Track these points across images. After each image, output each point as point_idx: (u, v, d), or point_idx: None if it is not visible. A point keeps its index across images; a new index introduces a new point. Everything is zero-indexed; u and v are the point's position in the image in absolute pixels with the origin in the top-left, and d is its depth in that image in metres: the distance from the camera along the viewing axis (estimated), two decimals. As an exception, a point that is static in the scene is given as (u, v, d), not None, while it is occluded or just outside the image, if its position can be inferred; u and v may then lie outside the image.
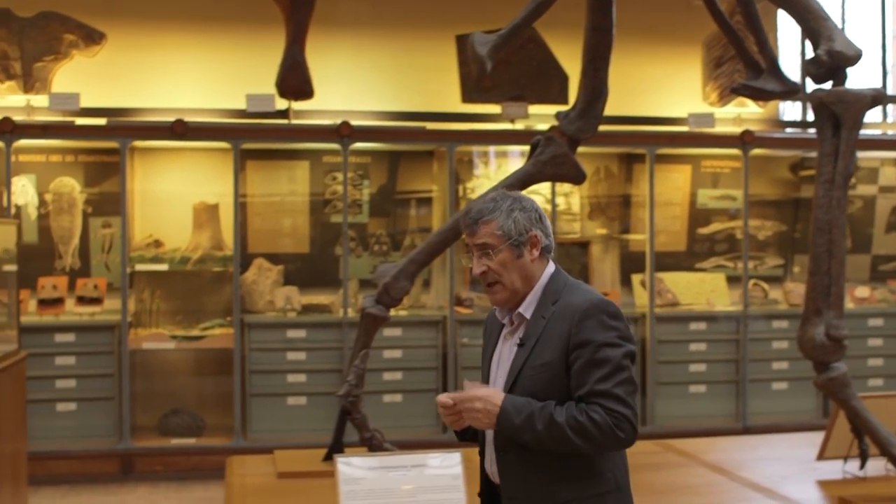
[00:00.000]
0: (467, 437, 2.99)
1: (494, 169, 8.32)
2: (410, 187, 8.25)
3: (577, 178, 5.17)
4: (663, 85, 8.69)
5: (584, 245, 8.52)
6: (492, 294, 2.88)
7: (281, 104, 7.60)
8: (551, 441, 2.68)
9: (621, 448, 2.77)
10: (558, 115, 5.25)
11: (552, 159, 5.09)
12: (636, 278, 8.49)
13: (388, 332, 7.45)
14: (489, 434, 2.87)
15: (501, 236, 2.81)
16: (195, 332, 7.58)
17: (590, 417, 2.66)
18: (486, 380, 2.94)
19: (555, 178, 5.29)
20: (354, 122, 7.54)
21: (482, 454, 2.97)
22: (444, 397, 2.78)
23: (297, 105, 7.70)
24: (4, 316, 5.67)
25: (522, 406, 2.69)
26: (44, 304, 7.46)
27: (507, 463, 2.81)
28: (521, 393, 2.75)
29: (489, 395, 2.72)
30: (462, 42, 7.99)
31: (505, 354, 2.89)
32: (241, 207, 7.55)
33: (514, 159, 8.32)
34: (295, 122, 7.71)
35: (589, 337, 2.71)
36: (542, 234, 2.86)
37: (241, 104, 7.55)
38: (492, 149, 8.34)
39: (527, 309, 2.84)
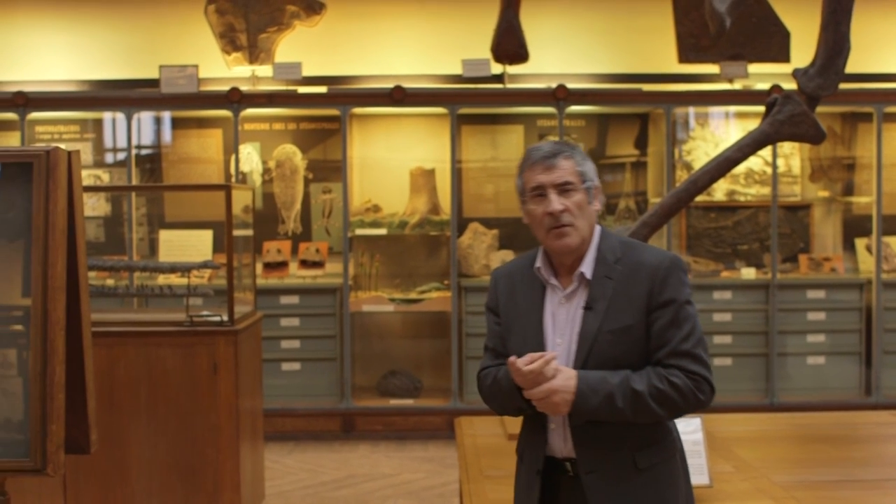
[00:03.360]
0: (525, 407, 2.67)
1: (694, 129, 8.12)
2: (620, 151, 8.14)
3: (816, 137, 4.96)
4: (892, 39, 8.26)
5: (805, 208, 8.22)
6: (562, 237, 2.61)
7: (496, 69, 7.60)
8: (633, 414, 2.53)
9: (701, 409, 2.64)
10: (795, 73, 5.03)
11: (790, 118, 4.90)
12: (860, 243, 8.14)
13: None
14: None
15: (581, 174, 2.62)
16: (413, 296, 7.72)
17: (671, 383, 2.53)
18: (533, 347, 2.62)
19: (792, 138, 5.09)
20: (570, 86, 7.48)
21: (541, 427, 2.69)
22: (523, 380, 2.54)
23: (513, 69, 7.69)
24: (243, 278, 5.91)
25: (598, 385, 2.52)
26: (269, 267, 7.74)
27: (583, 437, 2.61)
28: (598, 359, 2.56)
29: (564, 384, 2.51)
30: (678, 0, 7.81)
31: (562, 319, 2.65)
32: (456, 172, 7.62)
33: (719, 119, 8.11)
34: (510, 86, 7.71)
35: (673, 296, 2.58)
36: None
37: (458, 69, 7.60)
38: (691, 110, 8.13)
39: (587, 268, 2.64)
